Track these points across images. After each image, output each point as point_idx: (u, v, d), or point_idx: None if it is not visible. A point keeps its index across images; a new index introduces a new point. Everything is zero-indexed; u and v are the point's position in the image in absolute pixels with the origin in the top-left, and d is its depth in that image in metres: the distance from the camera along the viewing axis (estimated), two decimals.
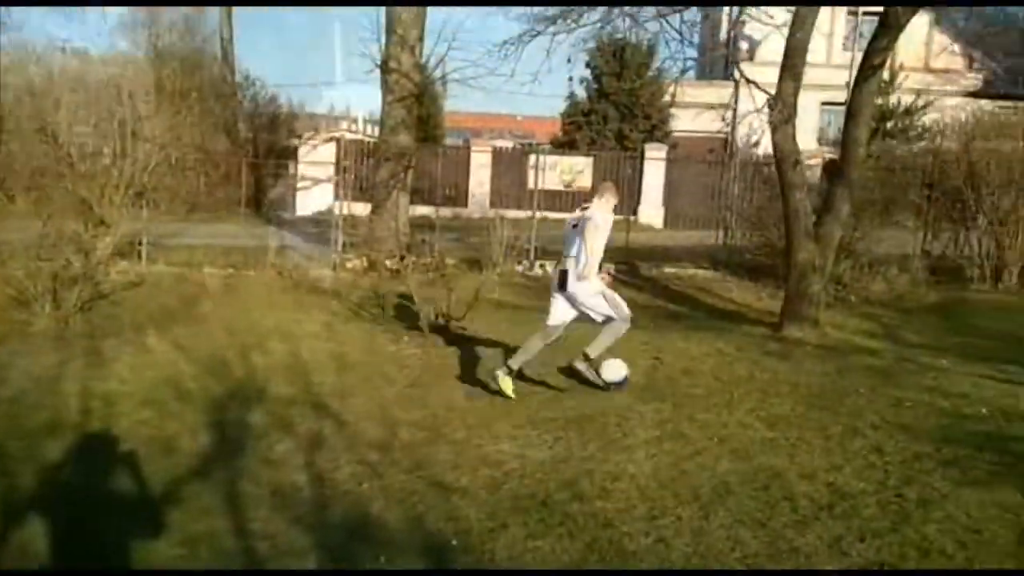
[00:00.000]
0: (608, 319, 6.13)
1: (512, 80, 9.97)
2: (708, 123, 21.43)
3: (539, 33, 8.40)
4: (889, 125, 22.03)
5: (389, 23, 12.14)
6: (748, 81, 8.43)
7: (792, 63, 7.73)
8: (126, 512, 4.21)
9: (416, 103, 12.73)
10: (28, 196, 12.92)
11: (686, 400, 6.13)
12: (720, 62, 32.71)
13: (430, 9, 12.57)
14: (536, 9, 9.13)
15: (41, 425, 5.31)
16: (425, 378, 6.73)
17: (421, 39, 12.32)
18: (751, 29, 26.89)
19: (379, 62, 12.36)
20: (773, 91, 7.94)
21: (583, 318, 6.19)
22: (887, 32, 7.61)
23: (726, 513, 4.20)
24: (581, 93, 25.13)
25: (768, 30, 23.16)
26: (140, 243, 11.50)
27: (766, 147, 12.02)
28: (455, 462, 4.92)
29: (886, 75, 21.87)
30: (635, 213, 22.37)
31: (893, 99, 21.85)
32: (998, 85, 25.92)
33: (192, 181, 19.32)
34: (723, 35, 32.90)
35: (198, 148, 17.98)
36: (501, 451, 5.11)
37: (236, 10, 24.04)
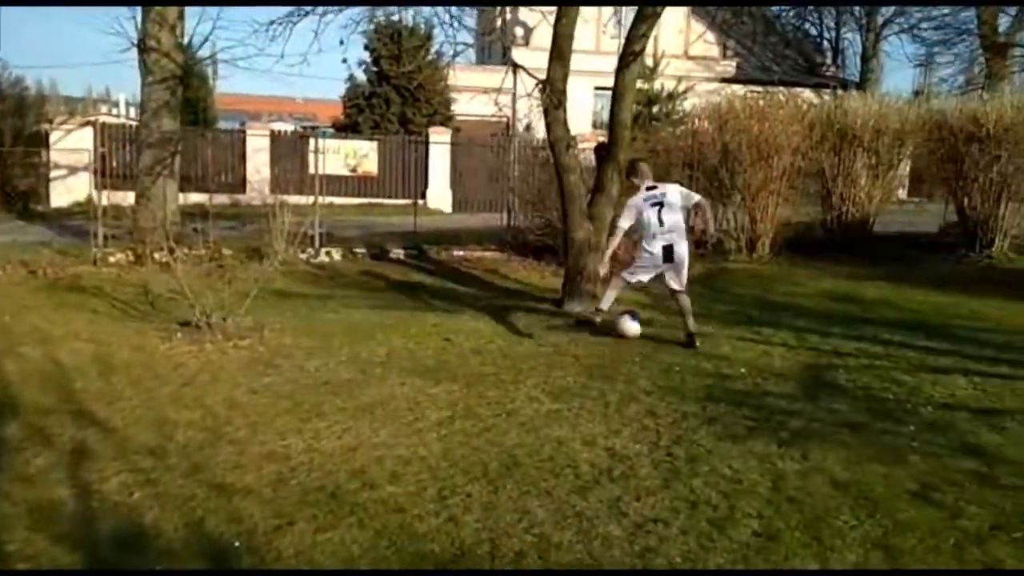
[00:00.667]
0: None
1: (285, 62, 9.55)
2: (488, 107, 21.97)
3: (307, 14, 8.12)
4: (655, 109, 23.55)
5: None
6: (517, 67, 8.64)
7: (559, 50, 8.02)
8: None
9: (180, 85, 11.92)
10: None
11: (476, 379, 6.23)
12: (499, 46, 33.38)
13: None
14: None
15: None
16: (202, 376, 6.34)
17: (181, 17, 11.53)
18: (524, 15, 27.72)
19: (136, 41, 11.42)
20: (545, 76, 8.20)
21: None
22: (644, 20, 8.09)
23: (514, 486, 4.30)
24: (361, 76, 24.74)
25: (540, 16, 23.95)
26: None
27: (544, 131, 12.49)
28: (237, 461, 4.67)
29: (649, 62, 23.34)
30: (423, 197, 22.46)
31: (657, 85, 23.34)
32: (748, 71, 28.48)
33: None
34: (497, 21, 33.62)
35: None
36: (288, 446, 4.92)
37: None
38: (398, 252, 11.79)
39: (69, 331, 7.56)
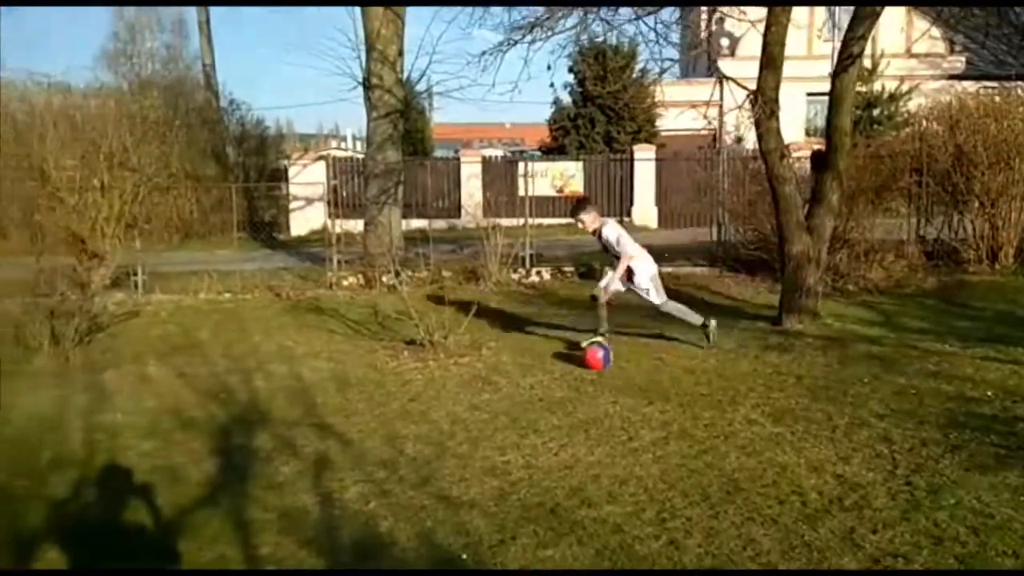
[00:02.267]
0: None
1: (495, 90, 9.95)
2: (694, 121, 21.54)
3: (516, 42, 8.41)
4: (875, 112, 22.10)
5: (368, 40, 12.16)
6: (726, 78, 8.43)
7: (771, 58, 7.75)
8: (136, 544, 4.18)
9: (401, 118, 12.73)
10: (20, 233, 12.92)
11: (690, 399, 6.12)
12: (704, 59, 32.78)
13: (408, 26, 12.63)
14: (512, 19, 9.16)
15: (46, 462, 5.28)
16: (427, 392, 6.70)
17: (401, 54, 12.35)
18: (731, 25, 27.04)
19: (361, 80, 12.37)
20: (754, 86, 7.95)
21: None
22: (862, 21, 7.63)
23: (735, 511, 4.18)
24: (566, 98, 25.18)
25: (747, 25, 23.25)
26: (135, 273, 11.50)
27: (754, 141, 12.07)
28: (461, 475, 4.89)
29: (868, 63, 21.99)
30: (629, 214, 22.47)
31: (877, 86, 21.92)
32: (981, 66, 26.01)
33: (183, 208, 19.37)
34: (703, 32, 32.98)
35: (187, 176, 18.00)
36: (508, 461, 5.08)
37: (216, 36, 24.15)
38: (608, 271, 11.82)
39: (310, 350, 8.28)
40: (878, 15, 7.71)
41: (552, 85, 16.68)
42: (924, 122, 12.34)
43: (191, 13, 25.42)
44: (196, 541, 4.14)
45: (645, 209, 22.44)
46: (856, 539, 3.81)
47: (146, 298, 11.21)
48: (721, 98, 28.16)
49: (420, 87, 18.89)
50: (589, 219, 7.80)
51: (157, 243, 13.60)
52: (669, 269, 12.01)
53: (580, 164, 22.65)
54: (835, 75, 7.98)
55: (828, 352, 7.33)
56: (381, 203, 12.12)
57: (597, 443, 5.32)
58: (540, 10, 8.25)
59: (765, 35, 7.82)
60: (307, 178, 20.45)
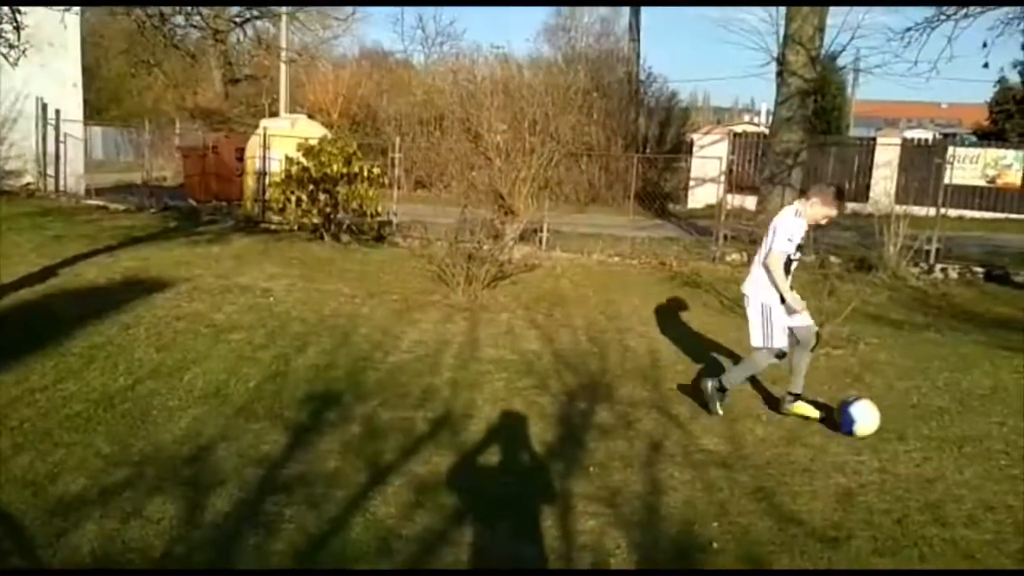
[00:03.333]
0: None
1: (919, 69, 9.11)
2: None
3: (945, 19, 7.63)
4: None
5: (786, 18, 11.86)
6: None
7: None
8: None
9: (808, 99, 12.26)
10: (456, 187, 15.02)
11: None
12: None
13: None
14: None
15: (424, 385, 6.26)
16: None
17: (820, 30, 11.83)
18: None
19: (775, 56, 12.15)
20: None
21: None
22: None
23: None
24: (1014, 78, 21.99)
25: None
26: (541, 230, 12.76)
27: None
28: (807, 466, 4.84)
29: None
30: None
31: None
32: None
33: (591, 175, 20.79)
34: None
35: (597, 145, 19.24)
36: (861, 462, 4.90)
37: (644, 9, 25.09)
38: (1022, 276, 10.36)
39: (678, 319, 8.57)
40: None
41: (987, 65, 14.84)
42: None
43: None
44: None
45: None
46: None
47: (547, 254, 12.39)
48: None
49: (840, 62, 17.83)
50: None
51: (563, 205, 14.85)
52: None
53: (1020, 153, 19.72)
54: None
55: None
56: (775, 183, 11.88)
57: (970, 462, 4.88)
58: None
59: None
60: (711, 152, 20.63)
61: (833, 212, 5.47)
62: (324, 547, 3.73)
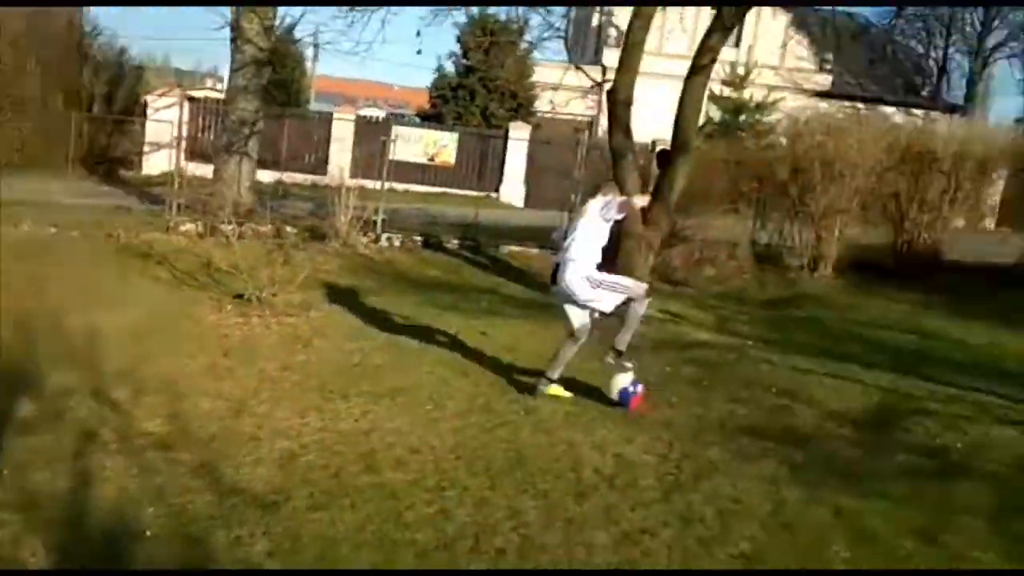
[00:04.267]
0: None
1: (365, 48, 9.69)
2: (574, 106, 21.86)
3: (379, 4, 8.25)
4: (741, 119, 23.07)
5: None
6: (578, 68, 8.63)
7: (627, 58, 7.99)
8: None
9: (264, 68, 12.26)
10: None
11: (505, 375, 6.24)
12: (592, 45, 33.23)
13: None
14: None
15: None
16: (242, 348, 6.56)
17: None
18: (620, 18, 27.63)
19: (228, 20, 11.84)
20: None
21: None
22: (718, 31, 7.95)
23: (512, 484, 4.31)
24: (450, 67, 25.00)
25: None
26: None
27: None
28: (254, 434, 4.83)
29: (741, 70, 22.93)
30: (497, 191, 22.63)
31: (747, 94, 22.87)
32: (845, 87, 27.60)
33: (23, 134, 18.06)
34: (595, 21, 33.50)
35: (26, 100, 16.77)
36: (306, 424, 5.05)
37: None
38: (454, 243, 11.90)
39: (126, 295, 7.93)
40: (731, 29, 8.05)
41: (419, 52, 16.79)
42: (772, 134, 12.98)
43: None
44: None
45: (513, 188, 22.62)
46: (614, 516, 4.02)
47: None
48: (601, 86, 28.71)
49: (294, 35, 18.17)
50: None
51: None
52: (517, 248, 12.26)
53: (455, 135, 22.58)
54: (687, 78, 8.25)
55: (642, 340, 7.62)
56: (231, 152, 11.67)
57: (402, 411, 5.36)
58: None
59: (626, 36, 8.03)
60: (167, 116, 19.41)
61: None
62: None
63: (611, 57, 26.69)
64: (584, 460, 4.70)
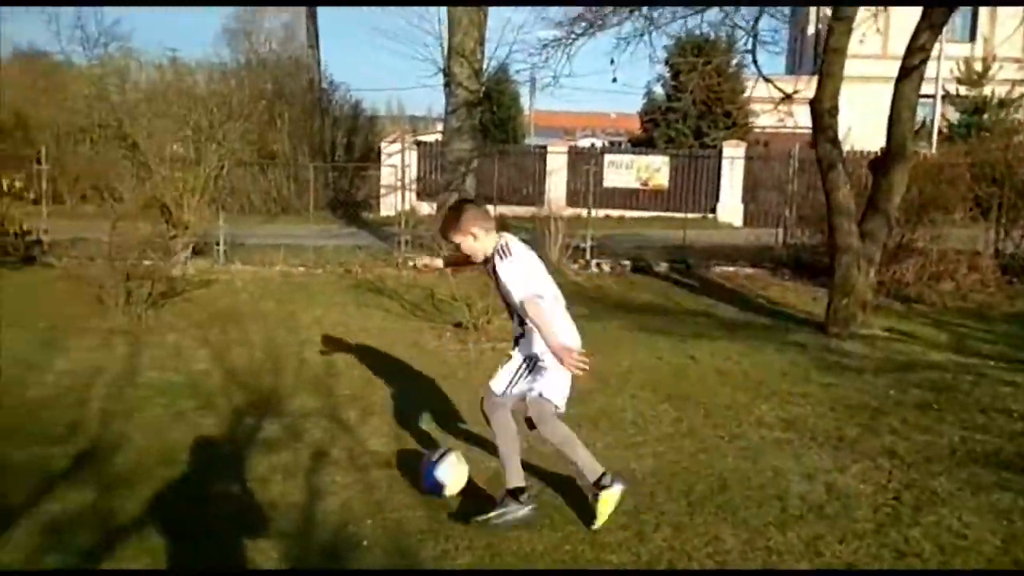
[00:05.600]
0: None
1: (571, 80, 10.00)
2: (797, 118, 21.07)
3: (577, 36, 8.52)
4: (984, 117, 21.07)
5: (449, 31, 12.45)
6: (767, 80, 8.37)
7: (828, 66, 7.66)
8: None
9: (477, 108, 12.98)
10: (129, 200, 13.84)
11: (709, 399, 6.16)
12: (809, 55, 31.82)
13: (492, 12, 12.84)
14: (566, 12, 9.24)
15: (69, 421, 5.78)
16: (458, 373, 6.95)
17: (481, 43, 12.57)
18: None
19: (441, 67, 12.70)
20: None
21: None
22: (925, 30, 7.41)
23: (713, 510, 4.26)
24: (659, 90, 24.99)
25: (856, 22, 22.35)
26: (217, 244, 12.21)
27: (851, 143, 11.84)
28: (467, 453, 5.11)
29: (979, 66, 20.98)
30: (713, 211, 22.20)
31: (987, 90, 20.88)
32: None
33: (278, 185, 20.30)
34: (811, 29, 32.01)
35: (282, 154, 18.82)
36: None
37: (321, 19, 24.95)
38: (663, 266, 11.84)
39: (361, 326, 8.66)
40: (941, 27, 7.48)
41: (615, 80, 16.88)
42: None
43: None
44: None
45: (730, 206, 22.11)
46: (819, 547, 3.85)
47: (225, 267, 11.88)
48: None
49: (500, 76, 19.02)
50: (467, 240, 4.05)
51: (245, 216, 14.31)
52: (731, 269, 11.96)
53: (666, 158, 22.48)
54: (897, 82, 7.76)
55: (865, 362, 7.21)
56: (450, 190, 12.44)
57: (604, 434, 5.45)
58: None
59: (826, 42, 7.71)
60: (397, 160, 21.02)
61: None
62: None
63: None
64: (791, 488, 4.54)
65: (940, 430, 5.41)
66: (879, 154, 8.31)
